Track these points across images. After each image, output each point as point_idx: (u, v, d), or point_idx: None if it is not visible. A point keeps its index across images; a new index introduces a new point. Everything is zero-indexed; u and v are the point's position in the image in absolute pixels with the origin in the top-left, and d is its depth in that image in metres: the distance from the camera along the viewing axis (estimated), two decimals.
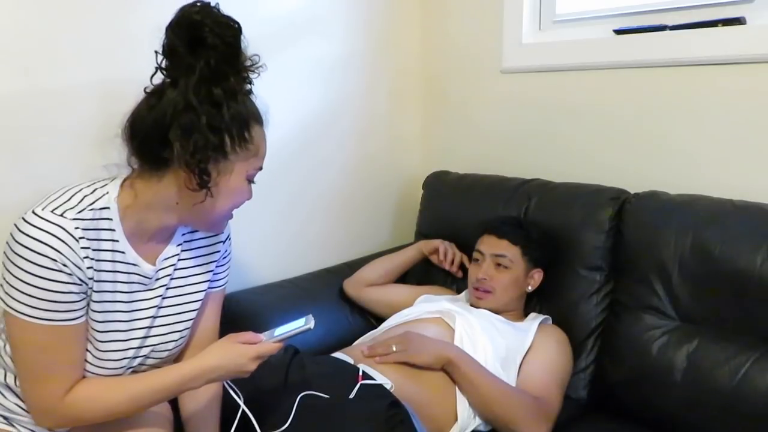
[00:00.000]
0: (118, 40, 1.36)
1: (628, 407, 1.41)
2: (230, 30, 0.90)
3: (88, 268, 0.92)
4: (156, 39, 0.91)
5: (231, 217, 1.07)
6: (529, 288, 1.55)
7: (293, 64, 1.73)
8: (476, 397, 1.29)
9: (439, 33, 2.05)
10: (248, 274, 1.65)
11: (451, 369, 1.31)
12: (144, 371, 1.08)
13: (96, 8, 1.33)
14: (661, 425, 1.35)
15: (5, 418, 1.03)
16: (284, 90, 1.71)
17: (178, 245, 1.07)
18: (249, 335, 1.02)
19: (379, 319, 1.63)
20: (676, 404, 1.32)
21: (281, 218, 1.79)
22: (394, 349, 1.32)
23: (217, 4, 0.91)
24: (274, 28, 1.67)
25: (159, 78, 0.95)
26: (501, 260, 1.51)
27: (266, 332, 1.03)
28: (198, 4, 0.90)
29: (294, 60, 1.73)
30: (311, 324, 1.00)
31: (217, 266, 1.15)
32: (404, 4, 2.03)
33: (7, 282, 0.90)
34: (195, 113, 0.90)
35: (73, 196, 0.94)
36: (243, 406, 1.05)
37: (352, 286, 1.72)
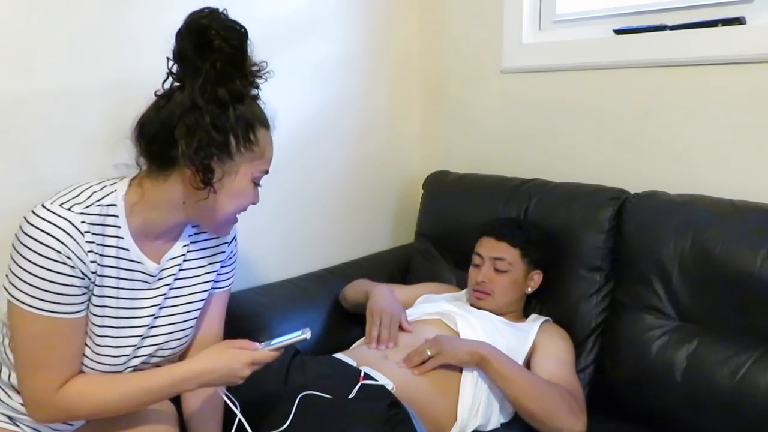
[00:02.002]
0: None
1: (628, 407, 1.41)
2: (236, 34, 0.93)
3: (91, 262, 0.94)
4: (167, 44, 0.94)
5: (236, 221, 1.09)
6: (529, 290, 1.55)
7: (294, 64, 1.73)
8: (511, 392, 1.28)
9: (439, 33, 2.05)
10: (248, 274, 1.65)
11: (485, 366, 1.31)
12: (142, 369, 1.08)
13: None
14: (661, 425, 1.35)
15: (10, 417, 1.04)
16: (285, 90, 1.71)
17: (184, 245, 1.08)
18: (245, 342, 1.03)
19: None
20: (676, 404, 1.32)
21: (281, 218, 1.79)
22: (429, 353, 1.31)
23: (225, 10, 0.94)
24: (274, 29, 1.67)
25: (170, 83, 0.98)
26: (500, 264, 1.51)
27: (263, 342, 1.04)
28: (206, 9, 0.93)
29: (294, 60, 1.73)
30: (307, 335, 1.02)
31: (222, 266, 1.16)
32: (404, 4, 2.03)
33: (12, 272, 0.92)
34: (200, 112, 0.92)
35: (82, 192, 0.96)
36: (240, 415, 1.05)
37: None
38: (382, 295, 1.52)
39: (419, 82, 2.13)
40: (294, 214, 1.82)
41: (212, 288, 1.16)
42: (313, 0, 1.76)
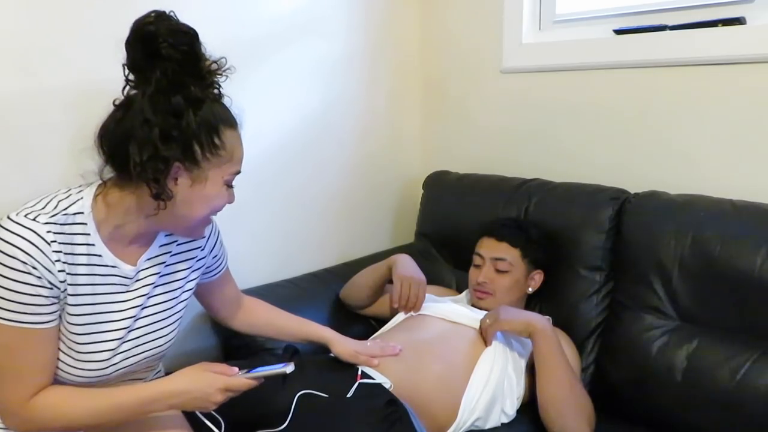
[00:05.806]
0: (114, 41, 1.35)
1: (628, 407, 1.41)
2: (185, 37, 0.90)
3: (59, 271, 0.93)
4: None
5: (210, 222, 1.07)
6: (530, 289, 1.55)
7: (293, 64, 1.73)
8: (543, 374, 1.31)
9: (439, 33, 2.05)
10: (248, 274, 1.64)
11: (534, 339, 1.34)
12: (133, 371, 1.09)
13: (88, 8, 1.31)
14: (662, 425, 1.35)
15: None
16: (285, 90, 1.71)
17: (161, 246, 1.08)
18: (223, 367, 1.01)
19: (380, 321, 1.62)
20: (676, 404, 1.32)
21: (281, 218, 1.79)
22: (488, 322, 1.37)
23: (172, 11, 0.91)
24: (274, 29, 1.66)
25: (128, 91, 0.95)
26: (501, 264, 1.51)
27: (243, 369, 1.03)
28: (152, 14, 0.90)
29: (294, 60, 1.73)
30: (288, 369, 1.02)
31: (212, 258, 1.20)
32: (404, 4, 2.03)
33: None
34: (149, 126, 0.90)
35: (48, 203, 0.95)
36: None
37: (348, 305, 1.68)
38: (407, 263, 1.55)
39: (419, 82, 2.13)
40: (294, 214, 1.82)
41: (210, 277, 1.23)
42: (313, 0, 1.76)
